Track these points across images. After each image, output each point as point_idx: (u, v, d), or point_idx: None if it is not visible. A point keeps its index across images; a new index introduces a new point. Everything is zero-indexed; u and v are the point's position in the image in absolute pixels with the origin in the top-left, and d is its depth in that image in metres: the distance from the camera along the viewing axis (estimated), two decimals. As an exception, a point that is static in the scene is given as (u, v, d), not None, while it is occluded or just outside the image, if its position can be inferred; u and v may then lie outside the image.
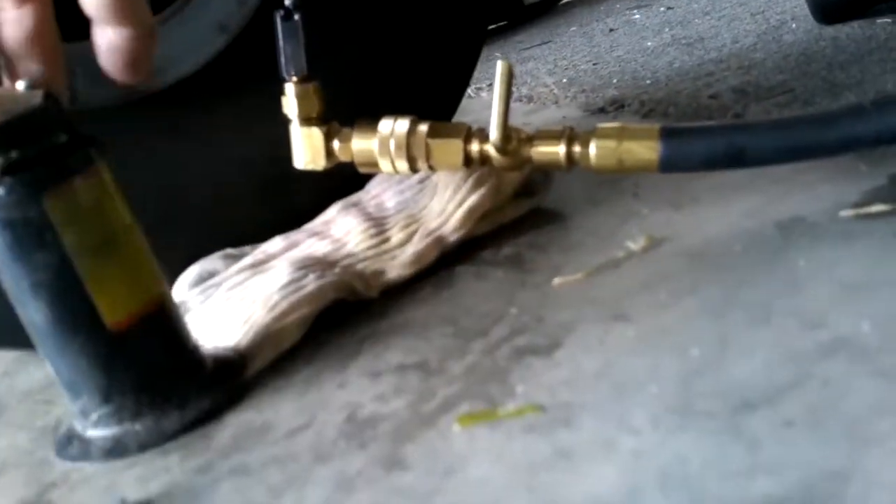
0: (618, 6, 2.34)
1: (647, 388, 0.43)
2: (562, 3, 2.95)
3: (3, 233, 0.50)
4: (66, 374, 0.54)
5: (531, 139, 0.65)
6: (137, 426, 0.54)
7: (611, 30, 1.95)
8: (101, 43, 0.52)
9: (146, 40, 0.53)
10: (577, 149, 0.63)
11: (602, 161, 0.62)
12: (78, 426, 0.56)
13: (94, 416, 0.54)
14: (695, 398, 0.41)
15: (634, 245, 0.62)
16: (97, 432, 0.55)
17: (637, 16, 2.02)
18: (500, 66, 0.63)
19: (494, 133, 0.64)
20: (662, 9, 1.98)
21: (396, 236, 0.72)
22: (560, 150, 0.64)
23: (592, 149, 0.63)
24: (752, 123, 0.63)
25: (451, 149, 0.67)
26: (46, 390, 0.70)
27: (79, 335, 0.52)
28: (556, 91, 1.41)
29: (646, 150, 0.62)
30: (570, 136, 0.64)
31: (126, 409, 0.54)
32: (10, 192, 0.49)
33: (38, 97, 0.50)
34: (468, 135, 0.67)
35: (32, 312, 0.52)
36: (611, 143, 0.63)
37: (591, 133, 0.64)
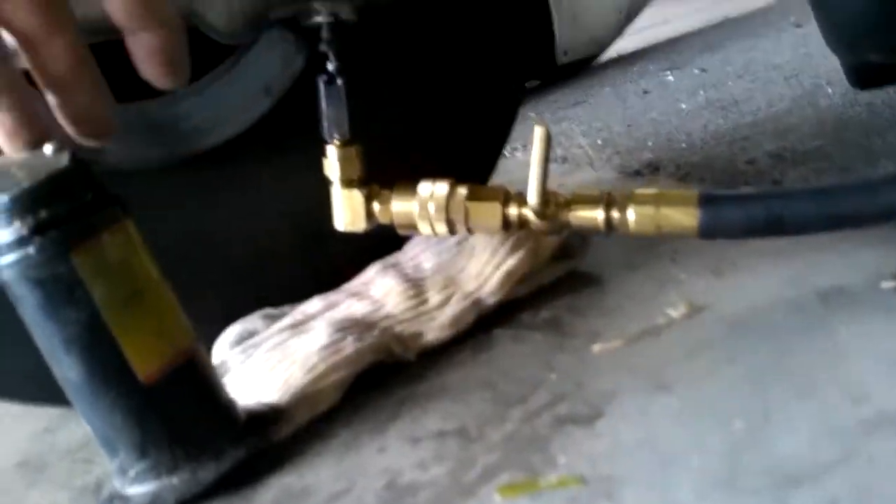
0: (651, 67, 2.36)
1: (691, 460, 0.43)
2: (595, 64, 2.97)
3: (34, 291, 0.51)
4: (102, 431, 0.55)
5: (569, 203, 0.66)
6: (174, 479, 0.54)
7: (644, 91, 1.97)
8: (137, 51, 0.54)
9: (179, 38, 0.55)
10: (615, 214, 0.64)
11: (640, 227, 0.63)
12: (117, 484, 0.56)
13: (131, 473, 0.55)
14: (739, 473, 0.41)
15: (674, 312, 0.62)
16: (136, 489, 0.55)
17: (671, 78, 2.03)
18: (537, 130, 0.64)
19: (533, 197, 0.65)
20: (696, 71, 2.00)
21: (434, 298, 0.72)
22: (598, 215, 0.64)
23: (631, 214, 0.63)
24: (791, 191, 0.64)
25: (489, 212, 0.68)
26: (87, 448, 0.71)
27: (111, 389, 0.53)
28: (590, 152, 1.42)
29: (685, 217, 0.62)
30: (608, 200, 0.65)
31: (162, 463, 0.54)
32: (39, 251, 0.50)
33: (64, 159, 0.52)
34: (506, 198, 0.68)
35: (66, 369, 0.53)
36: (649, 210, 0.63)
37: (629, 198, 0.64)
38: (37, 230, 0.50)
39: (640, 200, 0.64)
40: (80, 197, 0.52)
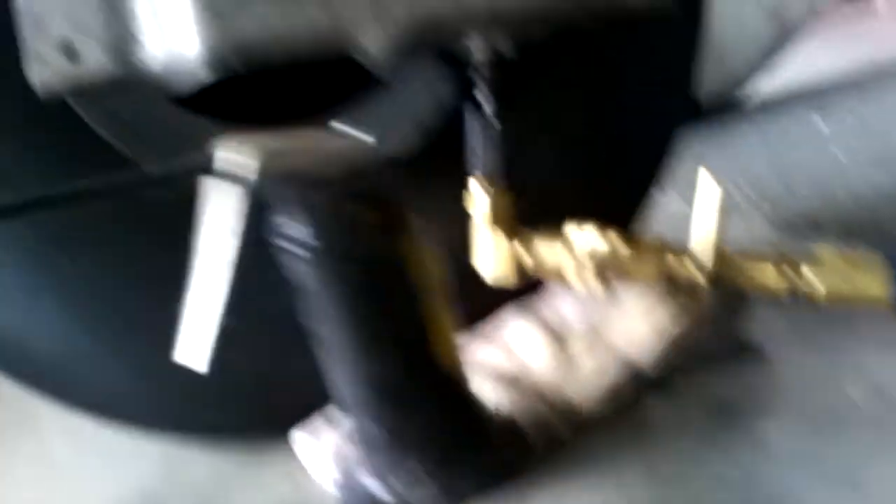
0: (798, 111, 2.24)
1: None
2: (738, 106, 2.87)
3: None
4: (396, 428, 0.50)
5: (743, 264, 0.60)
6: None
7: (792, 136, 1.86)
8: None
9: None
10: (797, 278, 0.57)
11: (829, 295, 0.56)
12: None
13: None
14: None
15: (856, 393, 0.55)
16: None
17: (822, 124, 1.92)
18: (707, 183, 0.59)
19: (705, 256, 0.59)
20: (849, 117, 1.88)
21: (581, 356, 0.67)
22: (778, 278, 0.58)
23: (815, 280, 0.57)
24: None
25: (650, 269, 0.62)
26: (209, 483, 0.68)
27: (423, 378, 0.50)
28: (737, 200, 1.34)
29: (877, 286, 0.56)
30: (787, 263, 0.58)
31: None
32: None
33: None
34: (670, 253, 0.62)
35: (371, 362, 0.49)
36: (837, 276, 0.57)
37: (812, 261, 0.58)
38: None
39: (825, 264, 0.57)
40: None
